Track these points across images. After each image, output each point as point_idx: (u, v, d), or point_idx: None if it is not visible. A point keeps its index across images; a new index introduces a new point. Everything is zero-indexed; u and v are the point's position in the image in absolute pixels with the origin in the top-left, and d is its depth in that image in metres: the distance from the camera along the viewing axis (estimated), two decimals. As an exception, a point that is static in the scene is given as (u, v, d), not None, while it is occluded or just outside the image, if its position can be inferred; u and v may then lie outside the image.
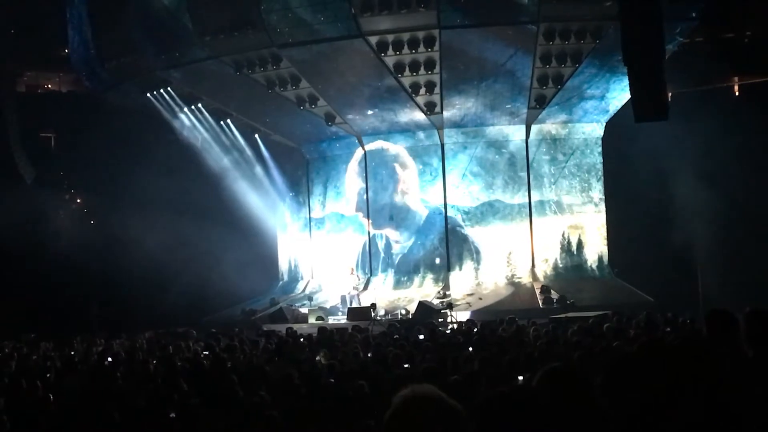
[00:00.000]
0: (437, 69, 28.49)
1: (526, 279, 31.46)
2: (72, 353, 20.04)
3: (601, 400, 3.74)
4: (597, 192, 32.44)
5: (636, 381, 3.71)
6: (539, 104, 30.23)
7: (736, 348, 5.62)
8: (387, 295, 31.42)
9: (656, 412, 3.64)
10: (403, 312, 28.72)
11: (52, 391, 12.84)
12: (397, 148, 32.66)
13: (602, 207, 32.43)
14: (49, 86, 42.49)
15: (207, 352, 18.17)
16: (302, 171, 35.78)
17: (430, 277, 32.04)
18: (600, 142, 32.41)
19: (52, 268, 31.80)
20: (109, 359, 17.44)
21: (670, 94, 21.19)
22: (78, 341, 23.20)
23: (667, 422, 3.64)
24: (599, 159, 32.44)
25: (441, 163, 31.97)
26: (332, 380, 12.21)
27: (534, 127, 31.59)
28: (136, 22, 29.71)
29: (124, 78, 32.45)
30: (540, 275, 31.43)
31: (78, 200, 39.99)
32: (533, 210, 31.96)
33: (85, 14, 31.83)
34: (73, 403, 11.03)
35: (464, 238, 32.10)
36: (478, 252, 32.05)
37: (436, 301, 28.62)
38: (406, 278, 32.39)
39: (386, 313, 28.99)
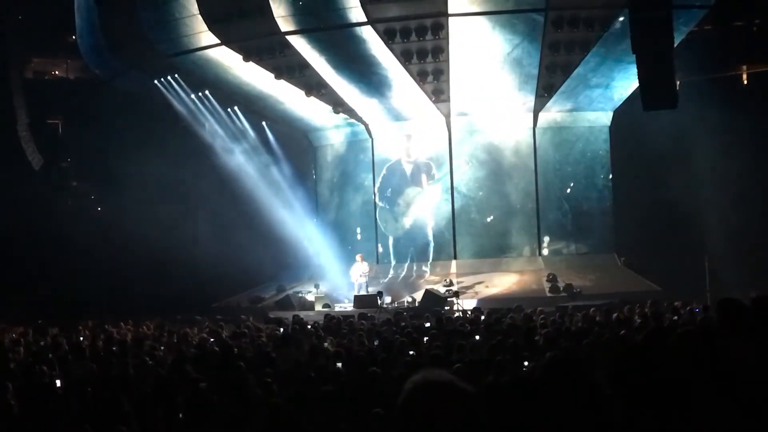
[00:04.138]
0: (445, 56, 28.48)
1: (532, 267, 31.45)
2: (80, 339, 20.09)
3: (606, 389, 3.74)
4: (602, 179, 32.43)
5: (644, 370, 3.71)
6: (547, 92, 30.20)
7: (748, 337, 5.61)
8: (395, 283, 31.44)
9: (665, 402, 3.64)
10: (410, 300, 28.72)
11: (61, 376, 12.90)
12: (403, 134, 32.65)
13: (607, 194, 32.42)
14: (57, 73, 42.48)
15: (213, 339, 18.23)
16: (310, 157, 35.81)
17: (436, 264, 32.06)
18: (606, 130, 32.36)
19: (59, 255, 31.85)
20: (117, 345, 17.49)
21: (678, 83, 21.16)
22: (85, 327, 23.24)
23: (676, 413, 3.64)
24: (604, 146, 32.40)
25: (448, 150, 31.96)
26: (340, 367, 12.24)
27: (540, 115, 31.55)
28: (143, 8, 29.70)
29: (131, 65, 32.47)
30: (547, 263, 31.43)
31: (85, 187, 40.00)
32: (539, 197, 31.95)
33: (93, 1, 31.80)
34: (81, 389, 11.07)
35: (470, 225, 32.14)
36: (484, 239, 32.08)
37: (442, 289, 28.62)
38: (412, 265, 32.42)
39: (393, 300, 28.99)
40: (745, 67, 32.77)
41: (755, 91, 31.09)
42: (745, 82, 32.79)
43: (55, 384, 12.28)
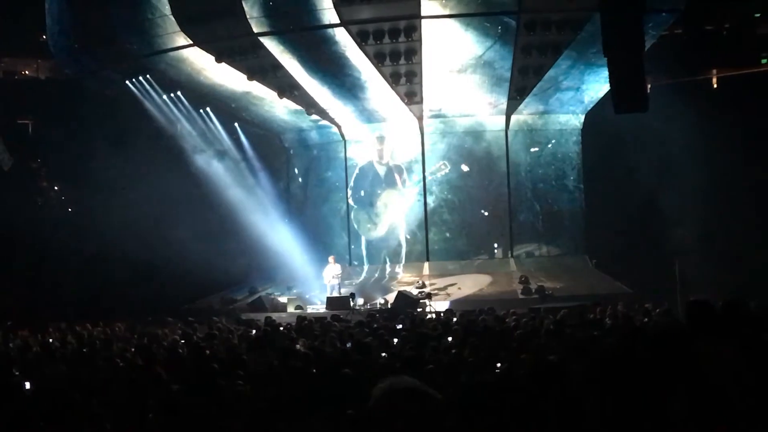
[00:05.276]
0: (418, 58, 28.51)
1: (504, 269, 31.55)
2: (50, 340, 19.93)
3: (582, 390, 3.76)
4: (572, 181, 32.63)
5: (621, 372, 3.74)
6: (519, 95, 30.33)
7: (714, 338, 5.67)
8: (368, 284, 31.44)
9: (640, 402, 3.66)
10: (382, 302, 28.72)
11: (30, 378, 12.78)
12: (376, 136, 32.66)
13: (578, 196, 32.64)
14: (27, 72, 42.19)
15: (185, 341, 18.14)
16: (283, 158, 35.75)
17: (409, 266, 32.09)
18: (577, 132, 32.59)
19: (29, 256, 31.59)
20: (87, 347, 17.36)
21: (649, 86, 21.29)
22: (54, 329, 23.05)
23: (650, 411, 3.66)
24: (575, 149, 32.62)
25: (421, 152, 32.01)
26: (312, 369, 12.20)
27: (512, 117, 31.68)
28: (115, 8, 29.53)
29: (102, 65, 32.26)
30: (519, 265, 31.54)
31: (56, 188, 39.73)
32: (511, 199, 32.07)
33: (64, 1, 31.60)
34: (51, 390, 10.98)
35: (443, 227, 32.20)
36: (456, 241, 32.16)
37: (415, 291, 28.63)
38: (385, 267, 32.44)
39: (365, 302, 28.98)
40: (715, 71, 33.07)
41: (725, 94, 31.37)
42: (715, 85, 33.09)
43: (24, 386, 12.16)
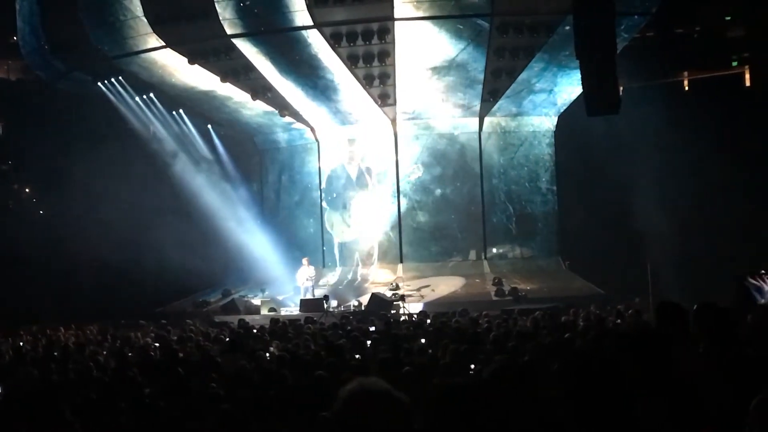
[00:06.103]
0: (391, 60, 28.53)
1: (478, 270, 31.59)
2: (21, 344, 19.79)
3: (553, 391, 3.77)
4: (545, 183, 32.73)
5: (592, 375, 3.75)
6: (492, 97, 30.41)
7: (686, 340, 5.71)
8: (341, 286, 31.41)
9: (613, 404, 3.68)
10: (356, 304, 28.70)
11: (1, 382, 12.69)
12: (349, 138, 32.64)
13: (551, 198, 32.74)
14: (-2, 74, 41.84)
15: (158, 344, 18.07)
16: (256, 160, 35.67)
17: (382, 267, 32.08)
18: (549, 134, 32.71)
19: (0, 260, 31.32)
20: (59, 350, 17.24)
21: (621, 88, 21.42)
22: (26, 332, 22.89)
23: (623, 413, 3.68)
24: (548, 150, 32.74)
25: (394, 154, 32.01)
26: (286, 372, 12.18)
27: (485, 119, 31.74)
28: (86, 10, 29.38)
29: (74, 67, 32.08)
30: (492, 267, 31.59)
31: (27, 190, 39.45)
32: (485, 201, 32.11)
33: (35, 3, 31.41)
34: (22, 395, 10.90)
35: (416, 229, 32.22)
36: (429, 242, 32.18)
37: (388, 293, 28.62)
38: (358, 269, 32.41)
39: (339, 304, 28.95)
40: (686, 74, 33.30)
41: (697, 96, 31.59)
42: (687, 87, 33.32)
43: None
